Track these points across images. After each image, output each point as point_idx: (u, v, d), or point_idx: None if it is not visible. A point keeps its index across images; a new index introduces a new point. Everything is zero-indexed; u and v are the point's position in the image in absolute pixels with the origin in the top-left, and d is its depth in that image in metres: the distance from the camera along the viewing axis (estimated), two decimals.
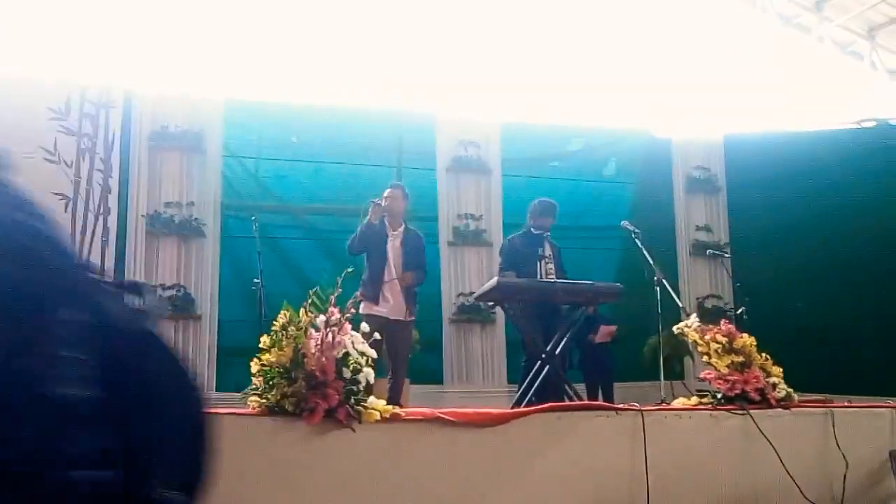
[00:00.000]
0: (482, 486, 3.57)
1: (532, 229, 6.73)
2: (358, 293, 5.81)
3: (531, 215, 6.82)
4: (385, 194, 6.41)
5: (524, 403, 5.50)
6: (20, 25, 9.98)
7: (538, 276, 6.23)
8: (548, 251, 6.54)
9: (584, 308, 6.08)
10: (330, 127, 10.04)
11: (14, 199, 1.13)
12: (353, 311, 3.60)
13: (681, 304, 6.51)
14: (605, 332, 8.81)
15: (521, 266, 6.38)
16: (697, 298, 10.95)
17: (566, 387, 5.77)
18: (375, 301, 5.99)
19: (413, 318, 6.41)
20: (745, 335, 4.62)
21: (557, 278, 6.22)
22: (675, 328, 4.90)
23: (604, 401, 7.37)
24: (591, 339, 8.77)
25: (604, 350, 8.95)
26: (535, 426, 3.76)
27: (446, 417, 3.56)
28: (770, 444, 4.08)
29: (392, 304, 6.10)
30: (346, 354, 3.46)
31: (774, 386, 4.47)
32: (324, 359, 3.37)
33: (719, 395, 4.36)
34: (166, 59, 10.32)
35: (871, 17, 12.94)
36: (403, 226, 6.39)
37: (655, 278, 6.35)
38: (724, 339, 4.54)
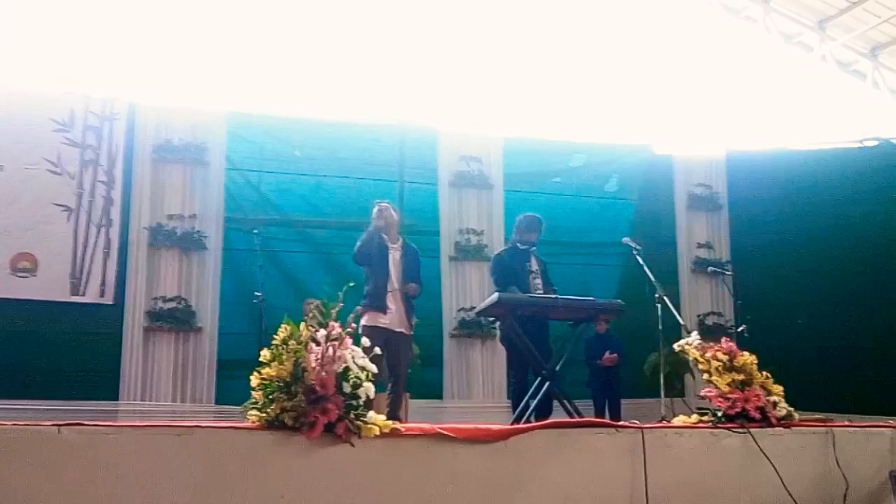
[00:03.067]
0: (482, 502, 3.56)
1: (518, 244, 6.72)
2: (359, 307, 5.82)
3: (517, 230, 6.82)
4: (383, 205, 6.42)
5: (524, 419, 5.50)
6: (25, 38, 10.04)
7: (528, 291, 6.23)
8: (534, 266, 6.54)
9: (585, 324, 6.07)
10: (332, 141, 10.05)
11: None
12: (353, 325, 3.60)
13: (682, 322, 6.49)
14: (608, 360, 8.88)
15: (514, 281, 6.37)
16: (698, 316, 10.93)
17: (566, 403, 5.76)
18: (382, 311, 6.00)
19: (412, 332, 6.42)
20: (746, 353, 4.61)
21: (546, 293, 6.23)
22: (675, 345, 4.89)
23: (611, 419, 7.36)
24: (598, 363, 8.85)
25: (611, 369, 8.97)
26: (535, 442, 3.75)
27: (446, 433, 3.55)
28: (770, 462, 4.07)
29: (395, 316, 6.12)
30: (347, 369, 3.46)
31: (775, 404, 4.45)
32: (324, 373, 3.37)
33: (720, 413, 4.35)
34: (170, 72, 10.39)
35: (873, 37, 12.99)
36: (401, 239, 6.42)
37: (656, 295, 6.34)
38: (724, 357, 4.53)
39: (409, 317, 6.28)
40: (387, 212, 6.33)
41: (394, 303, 6.13)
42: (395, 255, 6.27)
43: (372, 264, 6.15)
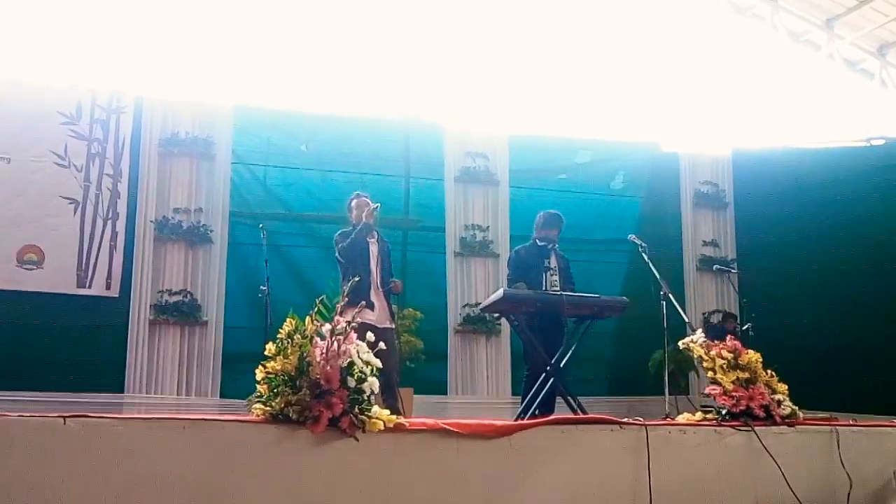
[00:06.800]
0: (485, 498, 3.56)
1: (538, 241, 6.72)
2: (339, 304, 5.78)
3: (536, 227, 6.82)
4: (369, 202, 6.41)
5: (528, 416, 5.49)
6: (32, 31, 10.05)
7: (543, 288, 6.20)
8: (553, 263, 6.51)
9: (590, 321, 6.07)
10: (338, 136, 10.07)
11: None
12: (358, 320, 3.60)
13: (686, 319, 6.49)
14: None
15: (526, 277, 6.37)
16: (703, 313, 10.93)
17: (570, 399, 5.76)
18: (370, 308, 5.95)
19: (395, 325, 6.41)
20: (751, 351, 4.61)
21: (563, 290, 6.20)
22: (680, 343, 4.88)
23: None
24: None
25: None
26: (538, 438, 3.75)
27: (450, 428, 3.55)
28: (774, 461, 4.06)
29: (380, 312, 6.08)
30: (351, 363, 3.46)
31: (779, 403, 4.44)
32: (328, 367, 3.37)
33: (724, 411, 4.34)
34: (177, 66, 10.38)
35: (881, 35, 12.93)
36: (376, 233, 6.39)
37: (662, 292, 6.32)
38: (729, 355, 4.52)
39: (392, 311, 6.28)
40: (371, 208, 6.30)
41: (377, 298, 6.09)
42: (373, 250, 6.26)
43: (355, 260, 6.11)
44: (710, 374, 4.58)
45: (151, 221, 9.17)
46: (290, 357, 3.38)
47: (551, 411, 5.66)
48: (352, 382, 3.41)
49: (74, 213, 8.93)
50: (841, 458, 4.27)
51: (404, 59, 11.70)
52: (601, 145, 11.41)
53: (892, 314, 9.19)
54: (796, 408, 4.52)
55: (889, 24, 12.51)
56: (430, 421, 3.68)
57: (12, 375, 7.92)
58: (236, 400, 8.09)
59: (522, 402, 6.10)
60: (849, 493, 4.19)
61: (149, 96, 9.54)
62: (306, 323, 3.49)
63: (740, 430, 4.20)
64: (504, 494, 3.61)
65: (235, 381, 8.73)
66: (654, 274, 6.30)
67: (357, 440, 3.34)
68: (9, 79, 9.09)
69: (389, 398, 5.69)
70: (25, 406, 6.78)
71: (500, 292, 5.86)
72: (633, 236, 6.72)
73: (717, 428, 4.22)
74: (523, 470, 3.67)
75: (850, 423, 4.69)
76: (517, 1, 12.52)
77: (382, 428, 3.41)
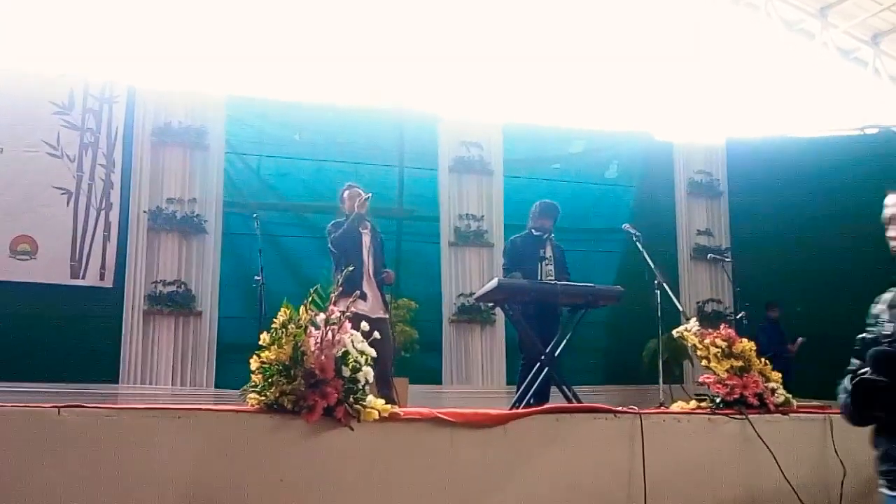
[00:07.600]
0: (480, 487, 3.57)
1: (533, 231, 6.73)
2: (333, 295, 5.77)
3: (532, 217, 6.82)
4: (361, 192, 6.40)
5: (523, 405, 5.51)
6: (24, 20, 10.00)
7: (538, 278, 6.22)
8: (549, 252, 6.51)
9: (585, 310, 6.07)
10: (332, 125, 10.03)
11: None
12: (353, 309, 3.60)
13: (681, 308, 6.49)
14: (798, 344, 9.49)
15: (522, 267, 6.38)
16: (697, 302, 10.94)
17: (564, 389, 5.77)
18: (362, 299, 5.94)
19: (389, 315, 6.40)
20: (745, 340, 4.62)
21: (558, 279, 6.21)
22: (674, 332, 4.89)
23: None
24: (790, 349, 9.02)
25: (790, 357, 9.27)
26: (533, 427, 3.76)
27: (445, 417, 3.56)
28: (768, 449, 4.08)
29: (372, 302, 6.08)
30: (346, 353, 3.46)
31: (773, 391, 4.46)
32: (323, 357, 3.37)
33: (718, 400, 4.35)
34: (170, 55, 10.35)
35: (874, 24, 12.95)
36: (370, 224, 6.39)
37: (656, 281, 6.33)
38: (723, 344, 4.53)
39: (385, 301, 6.27)
40: (363, 198, 6.29)
41: (369, 289, 6.09)
42: (366, 240, 6.25)
43: (347, 250, 6.10)
44: (704, 362, 4.59)
45: (145, 212, 9.12)
46: (285, 347, 3.38)
47: (546, 400, 5.69)
48: (346, 372, 3.41)
49: (68, 203, 8.89)
50: (835, 446, 4.28)
51: (398, 48, 11.68)
52: (595, 135, 11.39)
53: None
54: (790, 396, 4.54)
55: (882, 13, 12.54)
56: (424, 410, 3.69)
57: (6, 366, 7.89)
58: (231, 390, 8.05)
59: (517, 390, 6.11)
60: (842, 481, 4.21)
61: (141, 86, 9.48)
62: (300, 312, 3.49)
63: (734, 418, 4.22)
64: (499, 483, 3.62)
65: (230, 371, 8.71)
66: (648, 263, 6.30)
67: (352, 429, 3.35)
68: (1, 68, 9.04)
69: (384, 388, 5.69)
70: (19, 397, 6.77)
71: (494, 282, 5.86)
72: (628, 225, 6.73)
73: (711, 416, 4.23)
74: (518, 459, 3.68)
75: None
76: None
77: (377, 417, 3.41)
